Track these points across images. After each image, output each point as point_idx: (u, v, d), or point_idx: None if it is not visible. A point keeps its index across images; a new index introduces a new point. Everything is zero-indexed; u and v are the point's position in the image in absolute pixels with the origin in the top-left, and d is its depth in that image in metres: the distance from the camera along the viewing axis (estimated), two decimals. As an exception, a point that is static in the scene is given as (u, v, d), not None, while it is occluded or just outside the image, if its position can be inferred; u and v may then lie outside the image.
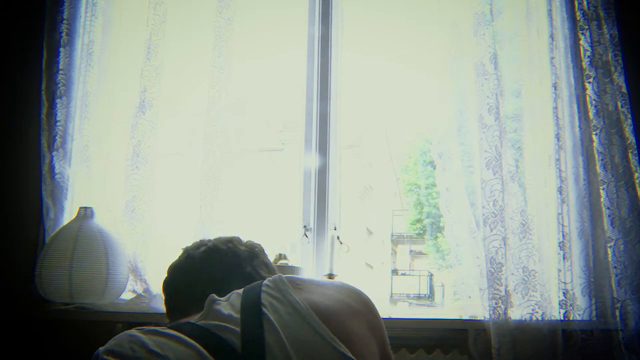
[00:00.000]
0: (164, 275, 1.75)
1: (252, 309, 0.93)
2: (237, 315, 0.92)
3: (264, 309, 0.92)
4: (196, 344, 0.87)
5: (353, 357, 0.88)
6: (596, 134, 1.75)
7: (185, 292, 1.14)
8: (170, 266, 1.21)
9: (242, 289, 1.00)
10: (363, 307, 1.01)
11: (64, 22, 1.92)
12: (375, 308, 1.04)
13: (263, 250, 1.22)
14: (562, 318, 1.68)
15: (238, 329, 0.90)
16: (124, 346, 0.86)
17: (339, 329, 0.93)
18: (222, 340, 0.88)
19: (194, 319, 0.96)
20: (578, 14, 1.84)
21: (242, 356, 0.86)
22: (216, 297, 0.98)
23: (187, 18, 2.00)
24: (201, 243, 1.20)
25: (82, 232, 1.71)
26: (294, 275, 1.03)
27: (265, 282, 0.99)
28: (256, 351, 0.87)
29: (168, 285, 1.20)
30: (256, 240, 1.26)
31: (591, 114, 1.77)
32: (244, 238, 1.23)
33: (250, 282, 1.03)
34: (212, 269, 1.14)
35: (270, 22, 2.18)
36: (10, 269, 1.84)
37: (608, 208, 1.71)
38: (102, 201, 1.85)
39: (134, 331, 0.89)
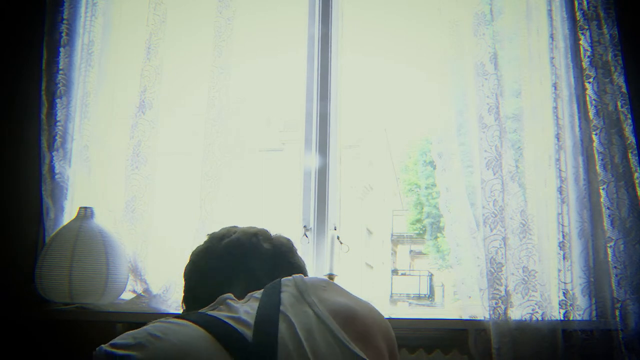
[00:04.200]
0: (164, 275, 1.76)
1: (269, 307, 0.91)
2: (252, 312, 0.90)
3: (282, 307, 0.90)
4: (203, 331, 0.85)
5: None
6: (596, 134, 1.75)
7: (200, 283, 1.12)
8: (193, 252, 1.18)
9: (261, 291, 0.97)
10: (382, 322, 1.00)
11: (64, 22, 1.92)
12: (392, 330, 1.03)
13: (291, 248, 1.18)
14: (562, 318, 1.68)
15: (251, 322, 0.88)
16: (125, 337, 0.86)
17: (357, 332, 0.91)
18: (232, 329, 0.86)
19: (204, 309, 0.95)
20: (578, 14, 1.84)
21: (252, 345, 0.84)
22: (232, 296, 0.97)
23: (187, 18, 2.01)
24: (227, 233, 1.16)
25: (82, 232, 1.71)
26: (321, 277, 1.01)
27: (285, 282, 0.97)
28: (268, 342, 0.84)
29: (186, 272, 1.18)
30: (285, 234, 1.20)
31: (591, 114, 1.77)
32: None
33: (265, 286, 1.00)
34: (229, 267, 1.11)
35: (270, 22, 2.18)
36: (10, 269, 1.84)
37: (608, 208, 1.71)
38: (102, 201, 1.85)
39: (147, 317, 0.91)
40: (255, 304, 0.93)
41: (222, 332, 0.85)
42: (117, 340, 0.86)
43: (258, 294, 0.97)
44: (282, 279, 0.98)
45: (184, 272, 1.18)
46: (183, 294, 1.17)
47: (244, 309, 0.92)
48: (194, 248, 1.76)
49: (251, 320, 0.88)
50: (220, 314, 0.91)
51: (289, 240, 1.19)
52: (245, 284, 1.06)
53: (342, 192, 2.08)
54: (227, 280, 1.08)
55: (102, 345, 0.85)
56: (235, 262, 1.11)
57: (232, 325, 0.87)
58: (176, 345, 0.82)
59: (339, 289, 1.00)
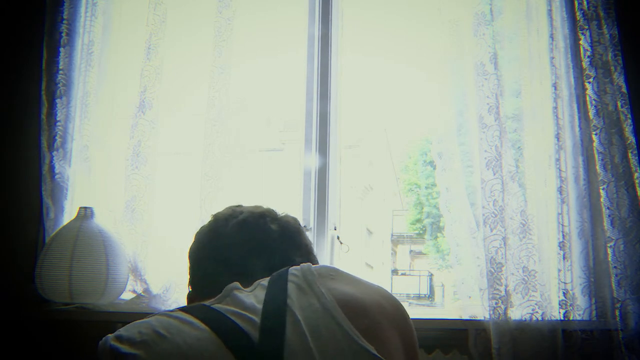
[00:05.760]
0: (164, 275, 1.76)
1: (275, 301, 0.89)
2: (259, 306, 0.88)
3: (289, 301, 0.88)
4: (207, 329, 0.83)
5: (377, 353, 0.84)
6: (596, 134, 1.75)
7: (206, 265, 1.09)
8: (197, 232, 1.14)
9: (268, 278, 0.94)
10: (396, 311, 0.97)
11: (64, 22, 1.92)
12: (409, 318, 0.99)
13: (298, 228, 1.14)
14: (562, 318, 1.68)
15: (258, 319, 0.85)
16: (132, 330, 0.85)
17: (366, 324, 0.88)
18: (238, 328, 0.84)
19: (210, 301, 0.93)
20: (578, 14, 1.84)
21: (258, 348, 0.82)
22: (239, 285, 0.94)
23: (187, 18, 2.01)
24: (232, 214, 1.12)
25: (82, 232, 1.71)
26: (330, 266, 0.99)
27: (293, 271, 0.94)
28: (275, 345, 0.82)
29: (191, 253, 1.14)
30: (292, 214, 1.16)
31: (591, 114, 1.77)
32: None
33: (276, 269, 0.97)
34: (238, 250, 1.07)
35: (270, 22, 2.18)
36: (10, 269, 1.84)
37: (608, 208, 1.71)
38: (102, 201, 1.85)
39: (147, 316, 0.88)
40: (262, 294, 0.90)
41: (227, 331, 0.84)
42: (124, 332, 0.85)
43: (265, 281, 0.94)
44: (290, 268, 0.96)
45: (189, 253, 1.15)
46: (189, 277, 1.14)
47: (249, 301, 0.89)
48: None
49: (257, 317, 0.86)
50: (227, 308, 0.89)
51: (295, 219, 1.16)
52: (253, 269, 1.03)
53: (342, 192, 2.08)
54: (233, 263, 1.05)
55: (109, 336, 0.84)
56: (241, 247, 1.08)
57: (238, 324, 0.85)
58: (180, 346, 0.81)
59: (349, 277, 0.98)
